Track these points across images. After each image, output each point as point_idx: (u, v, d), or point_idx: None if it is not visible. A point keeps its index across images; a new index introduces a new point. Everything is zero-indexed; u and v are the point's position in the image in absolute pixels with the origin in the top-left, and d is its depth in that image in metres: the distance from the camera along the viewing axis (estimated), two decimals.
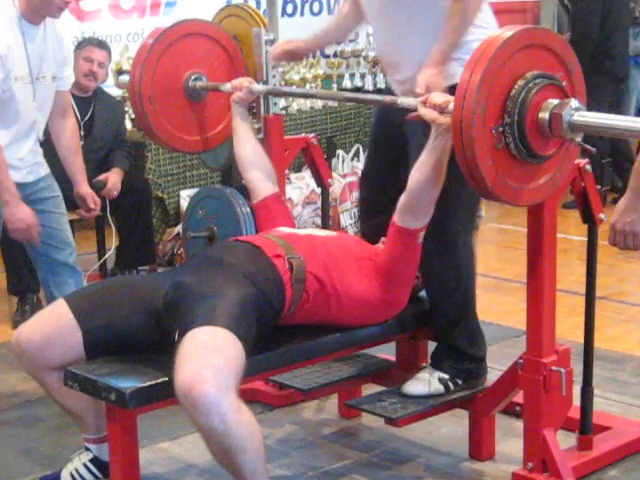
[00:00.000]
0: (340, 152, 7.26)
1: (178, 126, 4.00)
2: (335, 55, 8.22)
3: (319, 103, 7.36)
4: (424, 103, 3.10)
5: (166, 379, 2.88)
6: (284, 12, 8.02)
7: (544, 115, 2.85)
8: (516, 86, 2.84)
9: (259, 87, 3.88)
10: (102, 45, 5.72)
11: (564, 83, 2.94)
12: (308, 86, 7.33)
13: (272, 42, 4.05)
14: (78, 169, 4.47)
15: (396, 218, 3.27)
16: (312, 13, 8.32)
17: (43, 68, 4.08)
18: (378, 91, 7.96)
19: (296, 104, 7.20)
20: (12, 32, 3.96)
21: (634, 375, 4.45)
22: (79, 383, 3.03)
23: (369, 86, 8.07)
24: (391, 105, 3.36)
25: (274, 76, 4.05)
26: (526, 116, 2.84)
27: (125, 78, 4.24)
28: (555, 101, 2.86)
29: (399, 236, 3.28)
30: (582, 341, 3.56)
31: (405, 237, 3.28)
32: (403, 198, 3.23)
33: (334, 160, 7.16)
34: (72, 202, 4.65)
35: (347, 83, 8.16)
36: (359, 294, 3.30)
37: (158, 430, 3.85)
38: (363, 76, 8.16)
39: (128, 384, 2.92)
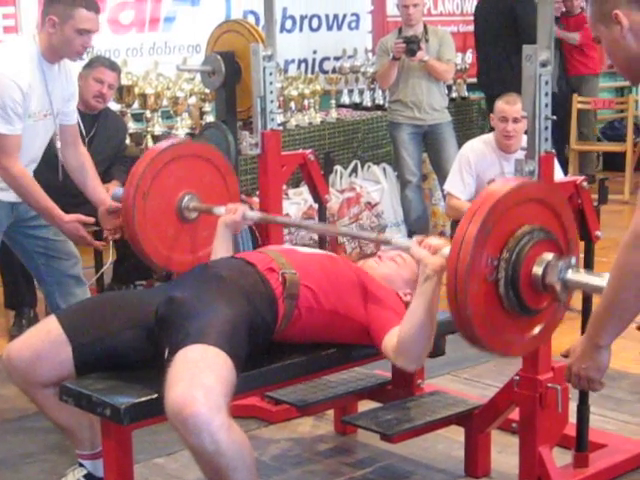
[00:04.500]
0: (338, 168, 7.25)
1: (168, 246, 3.90)
2: (334, 71, 8.23)
3: (317, 119, 7.37)
4: (419, 243, 3.06)
5: (161, 395, 2.88)
6: (283, 28, 8.01)
7: (537, 269, 2.76)
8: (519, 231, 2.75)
9: (253, 213, 3.82)
10: (113, 67, 5.65)
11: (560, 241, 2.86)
12: (306, 102, 7.34)
13: (270, 58, 4.05)
14: (102, 190, 4.42)
15: (388, 354, 3.15)
16: (311, 29, 8.32)
17: (52, 105, 4.10)
18: (377, 107, 7.99)
19: (294, 120, 7.21)
20: (32, 70, 3.98)
21: (630, 392, 4.45)
22: (74, 398, 3.03)
23: (367, 102, 8.09)
24: (385, 243, 3.35)
25: (271, 92, 4.06)
26: (521, 267, 2.73)
27: (119, 192, 4.20)
28: (549, 256, 2.77)
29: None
30: None
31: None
32: (396, 345, 3.09)
33: (332, 176, 7.15)
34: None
35: (345, 99, 8.17)
36: (356, 317, 3.26)
37: (153, 445, 3.85)
38: (362, 92, 8.18)
39: (123, 400, 2.91)
